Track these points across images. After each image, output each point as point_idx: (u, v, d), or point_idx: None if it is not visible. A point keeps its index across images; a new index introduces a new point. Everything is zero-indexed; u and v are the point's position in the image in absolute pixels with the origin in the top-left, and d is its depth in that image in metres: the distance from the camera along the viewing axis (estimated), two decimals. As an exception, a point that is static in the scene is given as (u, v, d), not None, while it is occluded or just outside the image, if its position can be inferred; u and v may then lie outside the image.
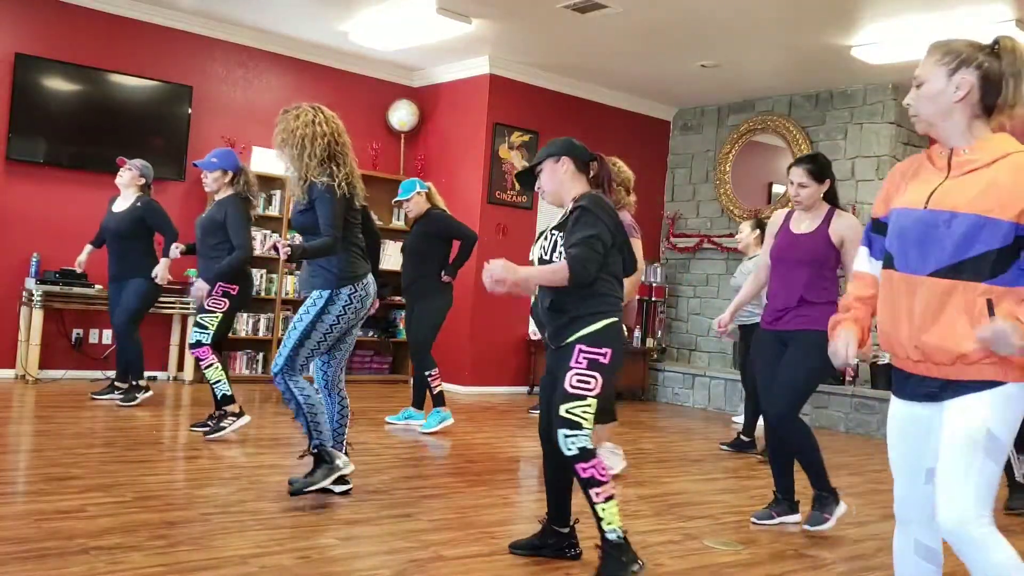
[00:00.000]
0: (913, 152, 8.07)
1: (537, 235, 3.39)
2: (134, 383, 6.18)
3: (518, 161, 8.73)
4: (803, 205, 4.10)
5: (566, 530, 3.34)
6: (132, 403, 6.11)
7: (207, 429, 5.27)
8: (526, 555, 3.33)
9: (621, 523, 3.08)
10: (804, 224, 4.11)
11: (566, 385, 3.05)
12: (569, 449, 3.02)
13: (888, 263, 2.29)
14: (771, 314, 4.12)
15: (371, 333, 8.82)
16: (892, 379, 2.36)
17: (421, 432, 5.98)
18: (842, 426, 7.86)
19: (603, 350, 3.06)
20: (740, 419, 6.77)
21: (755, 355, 4.32)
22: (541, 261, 3.19)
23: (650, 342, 9.56)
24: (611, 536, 3.06)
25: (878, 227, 2.39)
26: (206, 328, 5.29)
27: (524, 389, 8.85)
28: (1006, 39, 2.23)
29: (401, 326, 8.71)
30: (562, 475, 3.25)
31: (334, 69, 8.67)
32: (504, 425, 6.79)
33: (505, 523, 3.88)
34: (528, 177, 3.35)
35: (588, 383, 3.04)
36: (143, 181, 6.22)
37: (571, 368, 3.05)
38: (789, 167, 4.18)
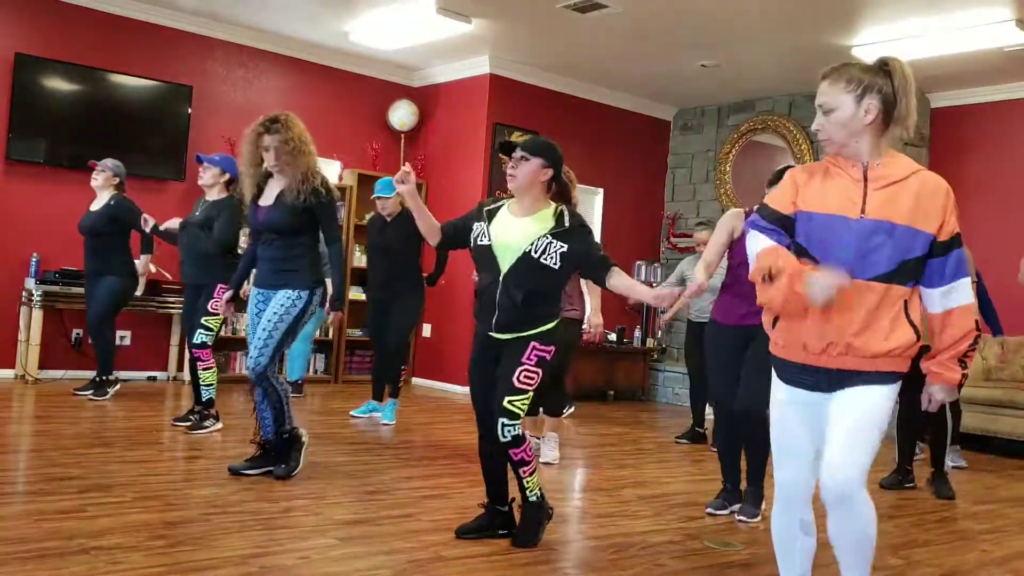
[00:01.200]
0: (912, 151, 8.08)
1: (484, 214, 3.37)
2: (104, 378, 6.32)
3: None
4: None
5: (505, 508, 3.57)
6: (104, 397, 6.26)
7: (189, 424, 5.43)
8: (474, 538, 3.49)
9: (538, 486, 3.48)
10: None
11: (514, 379, 3.29)
12: (505, 436, 3.32)
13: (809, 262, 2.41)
14: (739, 310, 4.14)
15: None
16: (778, 367, 2.53)
17: (382, 422, 6.25)
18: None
19: (550, 348, 3.35)
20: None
21: (710, 350, 4.36)
22: (526, 256, 3.25)
23: (650, 342, 9.56)
24: (532, 498, 3.47)
25: (782, 221, 2.45)
26: (211, 329, 5.36)
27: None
28: (894, 60, 2.41)
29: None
30: (499, 461, 3.47)
31: (334, 69, 8.67)
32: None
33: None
34: (510, 148, 3.39)
35: (532, 379, 3.31)
36: (117, 180, 6.29)
37: (522, 363, 3.30)
38: (774, 179, 4.16)
